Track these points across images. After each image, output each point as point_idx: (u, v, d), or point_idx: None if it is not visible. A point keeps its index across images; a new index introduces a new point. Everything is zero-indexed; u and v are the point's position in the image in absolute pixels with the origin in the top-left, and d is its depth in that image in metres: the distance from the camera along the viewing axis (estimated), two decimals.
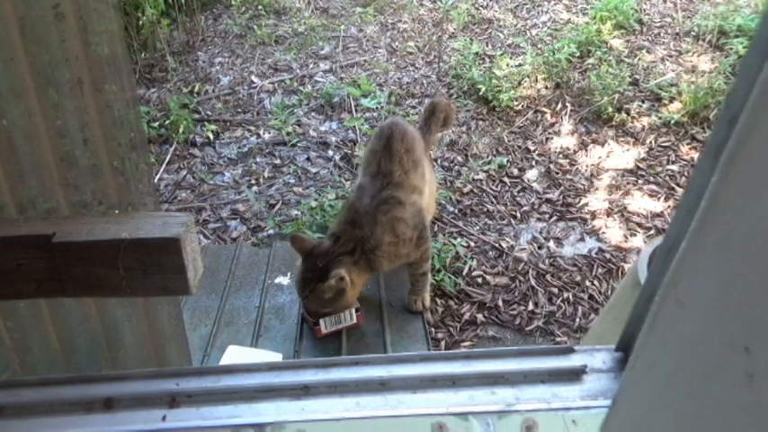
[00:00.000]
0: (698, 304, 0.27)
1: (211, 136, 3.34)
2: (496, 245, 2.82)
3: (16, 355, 0.78)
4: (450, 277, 2.55)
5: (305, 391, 0.62)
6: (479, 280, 2.64)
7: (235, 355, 1.68)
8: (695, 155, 3.17)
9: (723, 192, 0.23)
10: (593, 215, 2.88)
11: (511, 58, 3.84)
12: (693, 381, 0.27)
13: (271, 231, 2.91)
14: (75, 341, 0.82)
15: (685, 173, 3.09)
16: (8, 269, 0.68)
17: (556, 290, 2.54)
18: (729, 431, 0.23)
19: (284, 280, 1.93)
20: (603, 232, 2.79)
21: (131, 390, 0.62)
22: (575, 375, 0.62)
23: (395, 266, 1.83)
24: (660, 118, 3.35)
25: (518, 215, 2.98)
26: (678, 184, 3.02)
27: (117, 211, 0.77)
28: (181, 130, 3.26)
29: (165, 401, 0.61)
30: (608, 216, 2.87)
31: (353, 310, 1.79)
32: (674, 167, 3.10)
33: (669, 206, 2.90)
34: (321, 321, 1.75)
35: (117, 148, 0.77)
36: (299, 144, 3.36)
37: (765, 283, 0.22)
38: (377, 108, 3.52)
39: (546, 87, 3.65)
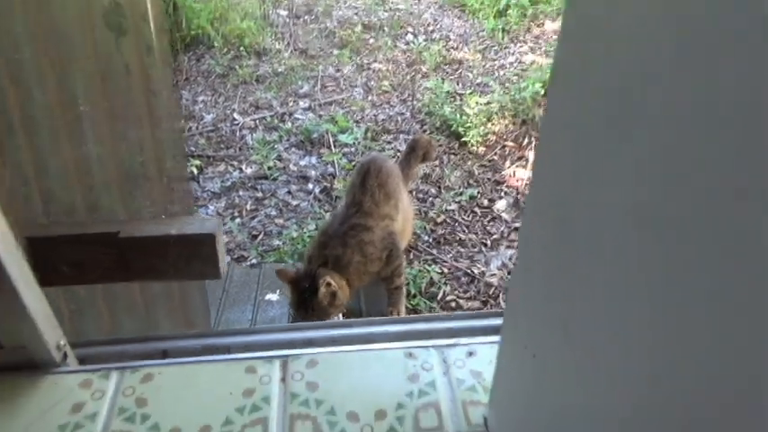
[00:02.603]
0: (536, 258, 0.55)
1: (195, 171, 3.58)
2: (468, 271, 3.08)
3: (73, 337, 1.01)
4: (425, 302, 2.80)
5: (310, 342, 0.87)
6: (453, 304, 2.89)
7: None
8: None
9: (536, 175, 0.51)
10: None
11: (480, 96, 4.21)
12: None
13: (254, 261, 3.13)
14: (123, 324, 1.05)
15: None
16: (82, 260, 0.93)
17: None
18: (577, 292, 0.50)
19: (273, 296, 2.18)
20: None
21: (182, 344, 0.87)
22: None
23: (367, 281, 2.11)
24: None
25: (488, 243, 3.25)
26: None
27: (163, 216, 1.03)
28: None
29: (208, 352, 0.86)
30: None
31: (341, 315, 2.05)
32: None
33: None
34: None
35: (165, 165, 1.04)
36: (280, 178, 3.62)
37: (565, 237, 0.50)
38: (354, 143, 3.82)
39: (513, 123, 4.01)
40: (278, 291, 2.21)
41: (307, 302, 1.91)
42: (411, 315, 2.46)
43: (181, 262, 0.93)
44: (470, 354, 0.80)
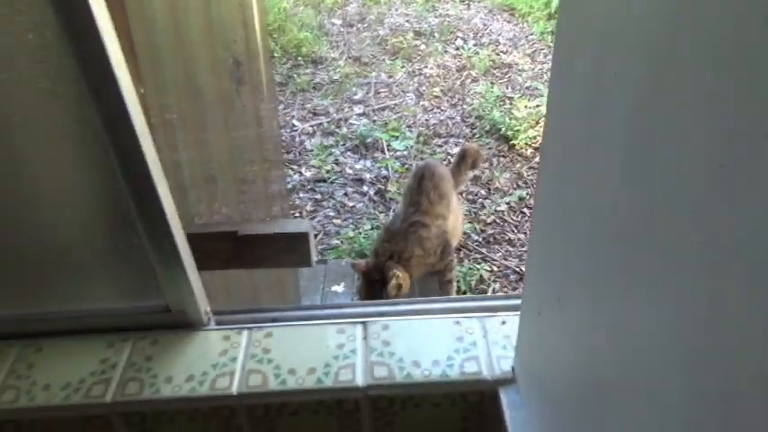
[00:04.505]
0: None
1: None
2: (517, 269, 3.34)
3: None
4: None
5: (382, 313, 1.19)
6: None
7: None
8: None
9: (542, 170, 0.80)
10: None
11: (529, 100, 4.45)
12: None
13: (315, 258, 3.50)
14: (234, 302, 1.41)
15: None
16: (208, 251, 1.27)
17: None
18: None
19: (339, 288, 2.54)
20: None
21: (286, 314, 1.20)
22: None
23: (424, 272, 2.44)
24: None
25: None
26: None
27: (268, 218, 1.37)
28: None
29: (306, 318, 1.19)
30: None
31: None
32: None
33: None
34: None
35: (270, 180, 1.38)
36: (337, 181, 3.97)
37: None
38: (406, 148, 4.14)
39: None
40: (342, 283, 2.56)
41: (376, 291, 2.26)
42: (458, 296, 2.80)
43: (282, 254, 1.26)
44: (503, 323, 1.11)
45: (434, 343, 1.08)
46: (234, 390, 1.01)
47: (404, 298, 2.37)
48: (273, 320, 1.19)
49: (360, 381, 1.02)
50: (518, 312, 1.11)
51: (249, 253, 1.25)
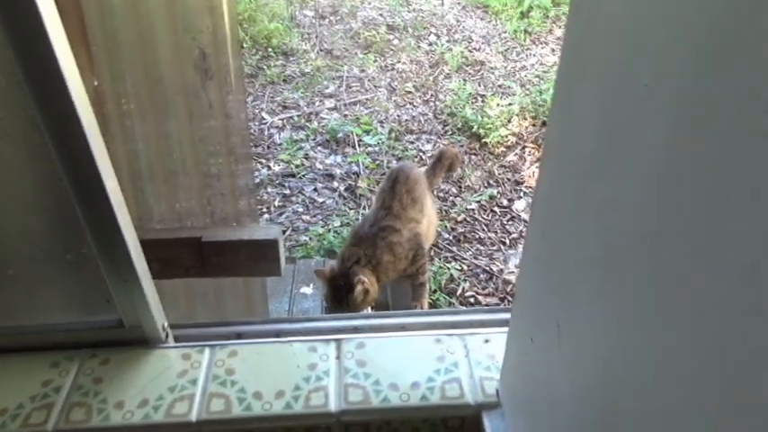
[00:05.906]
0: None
1: None
2: (487, 268, 3.29)
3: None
4: (444, 297, 3.02)
5: (356, 328, 1.10)
6: (472, 300, 3.11)
7: None
8: None
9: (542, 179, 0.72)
10: None
11: (501, 98, 4.40)
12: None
13: (283, 267, 3.37)
14: (197, 311, 1.30)
15: None
16: (169, 258, 1.16)
17: None
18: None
19: (308, 290, 2.42)
20: None
21: (252, 328, 1.10)
22: None
23: (394, 277, 2.35)
24: None
25: (507, 242, 3.45)
26: None
27: (235, 224, 1.26)
28: None
29: (274, 335, 1.09)
30: None
31: (370, 308, 2.29)
32: None
33: None
34: None
35: (237, 182, 1.27)
36: (306, 176, 3.85)
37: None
38: (378, 143, 4.04)
39: (533, 125, 4.19)
40: (311, 285, 2.45)
41: (342, 298, 2.16)
42: (438, 309, 2.71)
43: (249, 262, 1.15)
44: (486, 341, 1.03)
45: (413, 363, 0.99)
46: (193, 417, 0.91)
47: (372, 303, 2.28)
48: (239, 336, 1.08)
49: (333, 406, 0.92)
50: (503, 329, 1.03)
51: (213, 261, 1.14)
